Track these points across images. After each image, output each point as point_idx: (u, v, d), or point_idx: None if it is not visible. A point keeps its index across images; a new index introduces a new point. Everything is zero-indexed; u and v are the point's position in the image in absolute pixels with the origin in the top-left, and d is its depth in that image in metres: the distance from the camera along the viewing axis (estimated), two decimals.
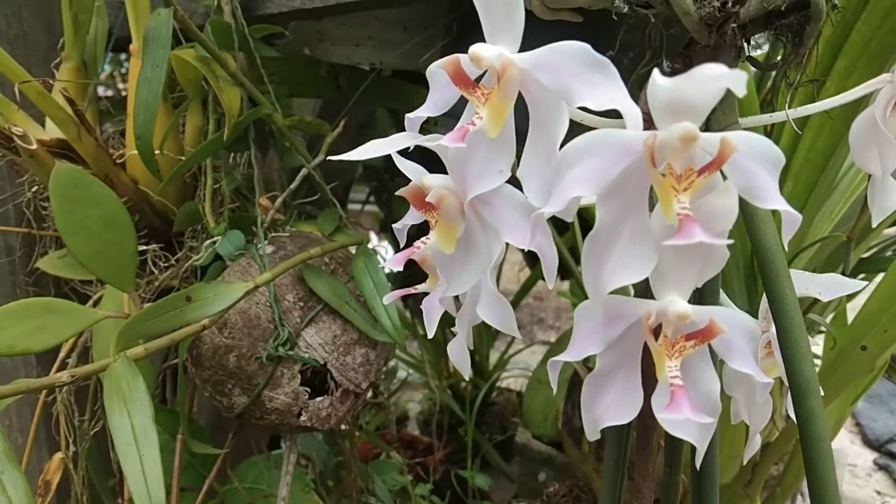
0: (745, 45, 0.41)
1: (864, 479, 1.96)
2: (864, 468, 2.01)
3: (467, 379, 0.48)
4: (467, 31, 0.71)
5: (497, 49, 0.33)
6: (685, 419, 0.32)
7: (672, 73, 0.41)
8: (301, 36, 0.89)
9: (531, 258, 1.75)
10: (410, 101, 1.05)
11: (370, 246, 0.72)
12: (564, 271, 1.89)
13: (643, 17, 0.43)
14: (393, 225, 0.44)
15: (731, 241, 0.30)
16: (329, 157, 0.41)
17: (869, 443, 2.11)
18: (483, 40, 0.34)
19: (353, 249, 0.73)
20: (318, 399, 0.65)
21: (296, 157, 0.72)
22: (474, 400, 1.40)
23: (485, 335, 1.71)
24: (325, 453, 0.99)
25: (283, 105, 0.71)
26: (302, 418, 0.64)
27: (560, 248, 1.21)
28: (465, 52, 0.36)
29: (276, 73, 0.75)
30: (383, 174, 1.49)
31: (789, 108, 0.44)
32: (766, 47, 0.81)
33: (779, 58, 0.45)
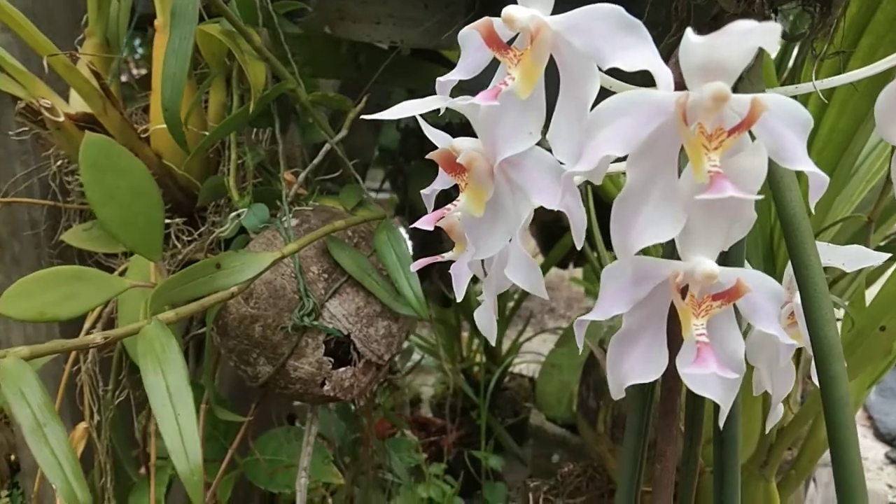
0: (774, 15, 0.42)
1: (876, 473, 1.96)
2: (875, 461, 2.01)
3: (494, 345, 0.49)
4: (489, 8, 0.71)
5: (531, 11, 0.33)
6: (711, 374, 0.33)
7: None
8: (322, 14, 0.89)
9: (545, 245, 1.76)
10: (429, 81, 1.06)
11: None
12: (578, 257, 1.89)
13: None
14: (421, 191, 0.44)
15: (761, 197, 0.30)
16: (363, 116, 0.42)
17: (881, 436, 2.11)
18: None
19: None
20: (342, 369, 0.66)
21: (318, 133, 0.73)
22: (487, 384, 1.41)
23: (498, 321, 1.72)
24: (342, 430, 1.00)
25: (308, 82, 0.72)
26: (325, 388, 0.65)
27: None
28: None
29: (299, 53, 0.76)
30: (399, 157, 1.50)
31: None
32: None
33: (802, 30, 0.45)
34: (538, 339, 1.95)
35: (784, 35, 0.44)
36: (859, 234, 0.81)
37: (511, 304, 1.75)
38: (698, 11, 0.46)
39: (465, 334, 1.78)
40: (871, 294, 0.72)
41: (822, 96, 0.45)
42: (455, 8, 0.77)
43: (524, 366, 1.92)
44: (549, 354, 1.43)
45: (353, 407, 0.98)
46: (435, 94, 0.40)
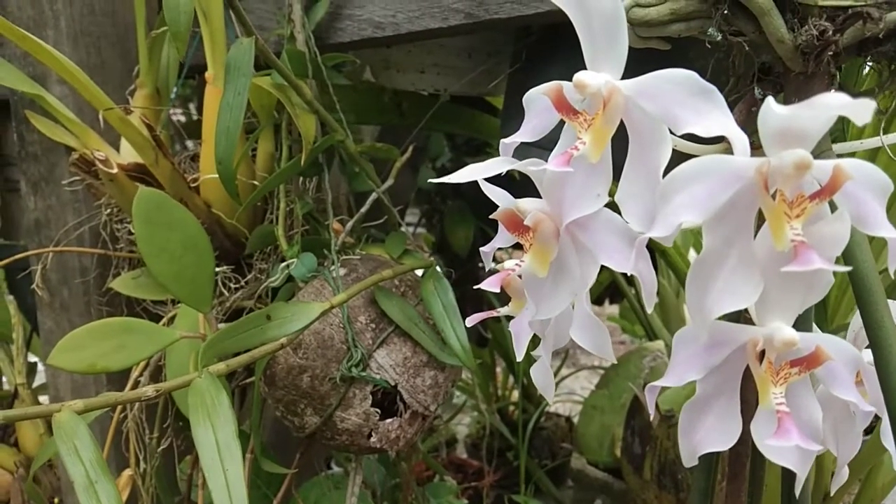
0: (838, 72, 0.41)
1: None
2: None
3: (551, 403, 0.48)
4: (537, 58, 0.72)
5: (603, 76, 0.33)
6: (793, 446, 0.32)
7: (763, 99, 0.41)
8: (365, 63, 0.90)
9: None
10: (469, 127, 1.07)
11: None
12: (613, 294, 1.87)
13: (732, 45, 0.43)
14: (481, 249, 0.44)
15: (848, 268, 0.30)
16: (431, 181, 0.42)
17: None
18: (556, 68, 0.35)
19: (419, 272, 0.73)
20: (388, 420, 0.65)
21: (365, 182, 0.74)
22: (525, 424, 1.39)
23: (534, 360, 1.70)
24: (382, 475, 0.99)
25: (351, 129, 0.73)
26: (372, 440, 0.65)
27: (613, 272, 1.20)
28: (538, 80, 0.36)
29: (343, 101, 0.77)
30: (435, 197, 1.50)
31: (868, 135, 0.44)
32: None
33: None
34: (571, 376, 1.93)
35: (849, 93, 0.44)
36: None
37: None
38: (751, 61, 0.45)
39: (498, 370, 1.76)
40: None
41: (887, 149, 0.44)
42: (500, 57, 0.78)
43: (559, 404, 1.89)
44: (589, 396, 1.41)
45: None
46: (475, 140, 0.40)
